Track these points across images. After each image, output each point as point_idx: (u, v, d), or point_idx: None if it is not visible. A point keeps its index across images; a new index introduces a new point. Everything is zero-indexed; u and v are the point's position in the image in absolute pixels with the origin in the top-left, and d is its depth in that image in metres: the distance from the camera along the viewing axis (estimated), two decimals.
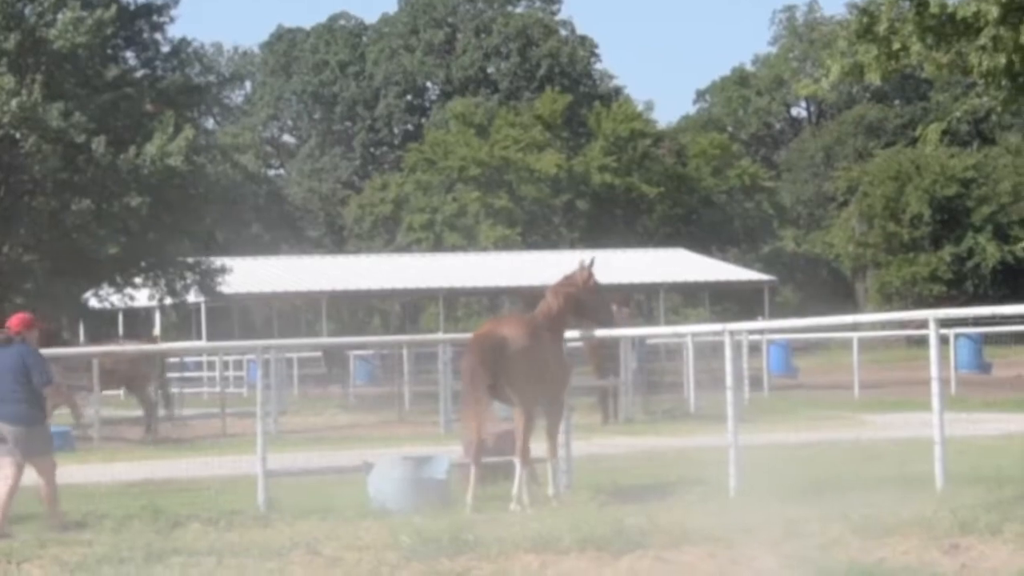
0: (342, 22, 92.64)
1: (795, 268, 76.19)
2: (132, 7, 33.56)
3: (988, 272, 68.47)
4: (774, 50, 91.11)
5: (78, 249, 31.78)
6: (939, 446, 12.35)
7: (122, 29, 33.16)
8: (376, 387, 36.44)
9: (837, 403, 28.57)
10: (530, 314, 14.23)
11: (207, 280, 35.42)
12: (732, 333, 13.96)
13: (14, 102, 29.81)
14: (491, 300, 63.07)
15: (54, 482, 12.87)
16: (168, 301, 35.80)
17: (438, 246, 68.23)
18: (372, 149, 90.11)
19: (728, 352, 13.74)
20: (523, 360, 13.34)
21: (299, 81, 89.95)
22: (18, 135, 30.72)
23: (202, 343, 41.59)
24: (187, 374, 38.19)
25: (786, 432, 20.59)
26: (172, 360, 37.82)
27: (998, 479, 12.64)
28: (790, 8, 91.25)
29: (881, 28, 13.91)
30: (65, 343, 25.45)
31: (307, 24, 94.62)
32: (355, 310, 69.40)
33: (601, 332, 15.46)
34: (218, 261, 36.01)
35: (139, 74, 34.18)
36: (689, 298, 65.25)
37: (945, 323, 15.73)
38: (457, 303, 64.34)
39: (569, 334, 14.57)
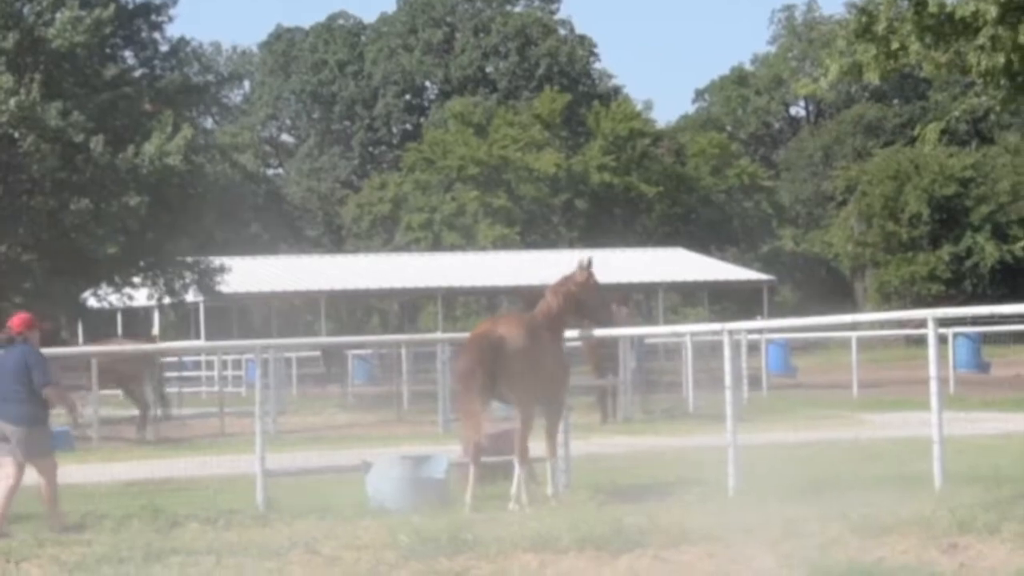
0: (341, 21, 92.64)
1: (794, 267, 76.21)
2: (131, 6, 33.55)
3: (987, 271, 68.48)
4: (773, 49, 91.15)
5: (77, 249, 31.78)
6: (937, 445, 12.35)
7: (121, 28, 33.16)
8: (375, 387, 36.43)
9: (836, 402, 28.57)
10: (529, 313, 14.23)
11: (206, 280, 35.43)
12: (731, 332, 13.97)
13: (12, 101, 29.81)
14: (490, 300, 63.08)
15: (55, 482, 12.87)
16: (167, 301, 35.81)
17: (437, 245, 68.23)
18: (371, 148, 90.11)
19: (727, 352, 13.74)
20: (521, 360, 13.34)
21: (298, 80, 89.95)
22: (16, 134, 30.72)
23: (201, 343, 41.60)
24: (186, 374, 38.18)
25: (785, 432, 20.60)
26: (171, 360, 37.85)
27: (996, 478, 12.64)
28: (789, 7, 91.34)
29: (880, 27, 13.91)
30: (63, 343, 25.46)
31: (306, 23, 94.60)
32: (354, 309, 69.42)
33: (600, 331, 15.47)
34: (217, 261, 36.01)
35: (138, 73, 34.18)
36: (688, 297, 65.27)
37: (944, 322, 15.74)
38: (456, 303, 64.35)
39: (568, 333, 14.57)
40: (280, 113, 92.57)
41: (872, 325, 40.95)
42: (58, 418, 16.74)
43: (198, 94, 34.99)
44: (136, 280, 35.05)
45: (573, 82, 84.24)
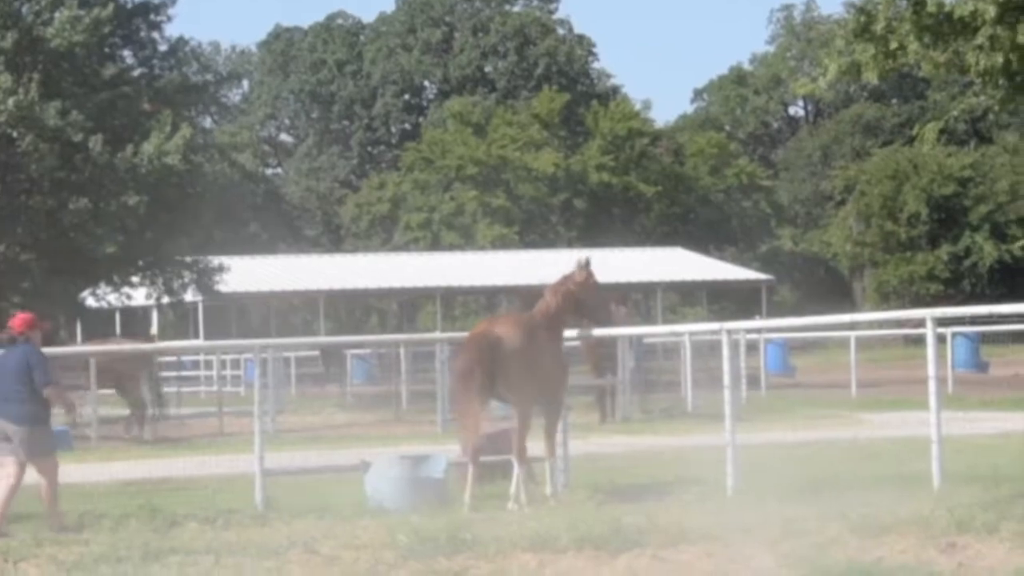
0: (340, 21, 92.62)
1: (792, 267, 76.22)
2: (129, 6, 33.55)
3: (985, 271, 68.50)
4: (772, 49, 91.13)
5: (75, 248, 31.79)
6: (936, 445, 12.35)
7: (119, 28, 33.17)
8: (373, 386, 36.43)
9: (834, 402, 28.57)
10: (528, 313, 14.23)
11: (204, 279, 35.44)
12: (729, 332, 13.97)
13: (11, 101, 29.81)
14: (488, 299, 63.08)
15: (56, 483, 12.88)
16: (165, 300, 35.81)
17: (435, 245, 68.24)
18: (369, 148, 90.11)
19: (726, 351, 13.74)
20: (518, 359, 13.33)
21: (296, 80, 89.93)
22: (15, 134, 30.73)
23: (199, 342, 41.60)
24: (184, 373, 38.18)
25: (783, 431, 20.62)
26: (169, 359, 37.86)
27: (995, 478, 12.64)
28: (788, 7, 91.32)
29: (878, 27, 13.91)
30: (61, 343, 25.46)
31: (305, 23, 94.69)
32: (352, 309, 69.41)
33: (599, 331, 15.47)
34: (215, 260, 36.02)
35: (136, 73, 34.19)
36: (687, 297, 65.26)
37: (942, 322, 15.74)
38: (455, 302, 64.34)
39: (567, 333, 14.56)
40: (279, 113, 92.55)
41: (871, 325, 40.96)
42: (56, 418, 16.72)
43: (197, 94, 35.00)
44: (135, 279, 35.05)
45: (572, 82, 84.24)
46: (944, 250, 68.59)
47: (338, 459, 17.03)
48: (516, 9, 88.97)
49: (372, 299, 63.67)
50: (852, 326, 34.78)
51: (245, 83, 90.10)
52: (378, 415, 28.32)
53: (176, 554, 10.78)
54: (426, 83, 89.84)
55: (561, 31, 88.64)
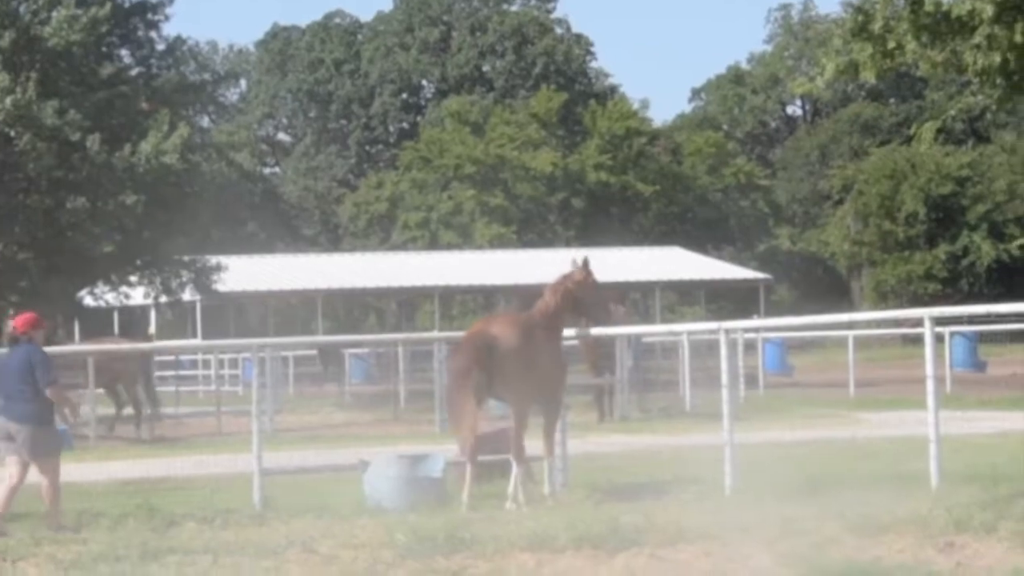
0: (337, 20, 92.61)
1: (790, 266, 76.24)
2: (127, 5, 33.55)
3: (983, 270, 68.53)
4: (769, 48, 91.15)
5: (73, 247, 31.79)
6: (934, 444, 12.35)
7: (117, 27, 33.15)
8: (372, 385, 36.44)
9: (832, 401, 28.58)
10: (527, 312, 14.23)
11: (202, 278, 35.43)
12: (728, 331, 13.97)
13: (8, 100, 29.80)
14: (487, 298, 63.07)
15: (57, 483, 12.88)
16: (163, 299, 35.79)
17: (434, 244, 68.23)
18: (367, 147, 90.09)
19: (724, 350, 13.74)
20: (515, 359, 13.33)
21: (294, 79, 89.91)
22: (12, 133, 30.72)
23: (198, 341, 41.59)
24: (183, 372, 38.17)
25: (781, 430, 20.61)
26: (167, 359, 37.86)
27: (993, 477, 12.64)
28: (785, 6, 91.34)
29: (876, 26, 13.91)
30: (58, 342, 25.43)
31: (302, 22, 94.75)
32: (351, 308, 69.40)
33: (597, 330, 15.46)
34: (213, 259, 36.01)
35: (134, 72, 34.18)
36: (685, 296, 65.27)
37: (940, 321, 15.75)
38: (453, 301, 64.33)
39: (565, 332, 14.55)
40: (277, 112, 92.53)
41: (869, 324, 40.96)
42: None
43: (194, 93, 34.99)
44: (133, 279, 35.05)
45: (569, 81, 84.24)
46: (942, 249, 68.61)
47: (336, 458, 17.03)
48: (514, 8, 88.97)
49: (370, 298, 63.67)
50: (850, 325, 34.79)
51: (243, 82, 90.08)
52: (376, 414, 28.32)
53: (174, 553, 10.78)
54: (424, 82, 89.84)
55: (559, 30, 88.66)
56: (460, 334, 15.41)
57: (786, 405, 27.09)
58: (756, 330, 31.67)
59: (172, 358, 37.92)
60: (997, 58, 13.41)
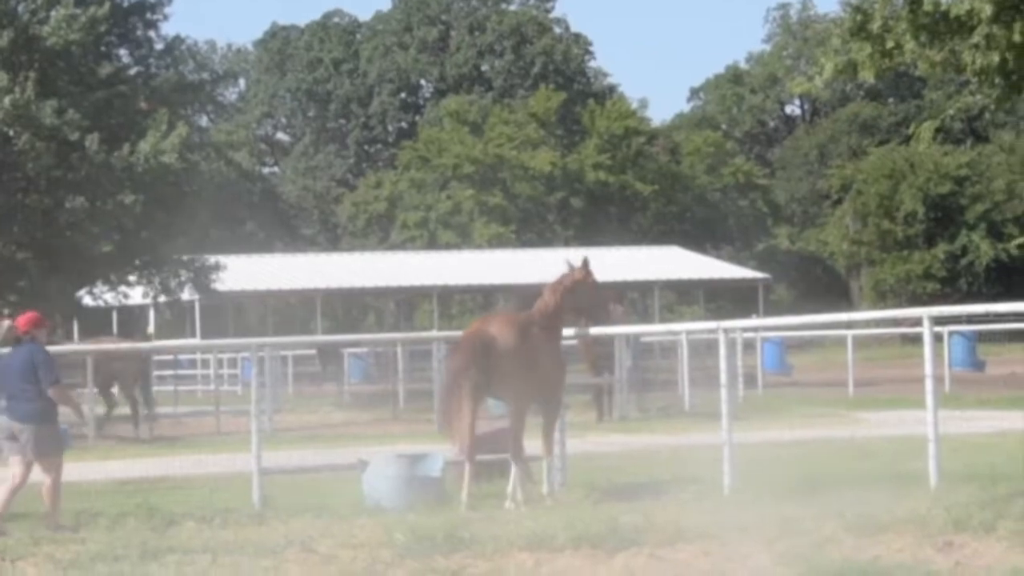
0: (336, 20, 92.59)
1: (789, 266, 76.22)
2: (126, 4, 33.56)
3: (982, 270, 68.55)
4: (768, 48, 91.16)
5: (72, 247, 31.79)
6: (933, 444, 12.35)
7: (116, 26, 33.16)
8: (371, 385, 36.45)
9: (831, 401, 28.59)
10: (525, 312, 14.22)
11: (201, 278, 35.43)
12: (726, 331, 13.97)
13: (7, 99, 29.81)
14: (485, 298, 63.08)
15: (59, 482, 12.89)
16: (162, 299, 35.80)
17: (432, 244, 68.24)
18: (366, 147, 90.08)
19: (722, 350, 13.75)
20: (512, 358, 13.32)
21: (293, 79, 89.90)
22: (11, 133, 30.72)
23: (196, 341, 41.59)
24: (181, 372, 38.17)
25: (780, 430, 20.62)
26: (166, 358, 37.84)
27: (992, 476, 12.63)
28: (784, 6, 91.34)
29: (875, 26, 13.90)
30: (55, 342, 25.38)
31: (301, 21, 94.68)
32: (349, 308, 69.40)
33: (596, 330, 15.46)
34: (212, 259, 36.01)
35: (133, 71, 34.19)
36: (683, 296, 65.28)
37: (939, 321, 15.76)
38: (451, 301, 64.34)
39: (564, 332, 14.55)
40: (275, 111, 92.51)
41: (867, 323, 40.98)
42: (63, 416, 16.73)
43: (193, 92, 35.00)
44: (131, 278, 35.05)
45: (568, 80, 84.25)
46: (941, 249, 68.63)
47: (335, 458, 17.03)
48: (512, 8, 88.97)
49: (369, 298, 63.67)
50: (849, 325, 34.81)
51: (241, 82, 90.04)
52: (375, 414, 28.32)
53: (173, 553, 10.77)
54: (423, 82, 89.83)
55: (558, 30, 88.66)
56: (459, 333, 15.41)
57: (785, 405, 27.09)
58: (755, 329, 31.68)
59: (171, 358, 37.91)
60: (996, 58, 13.40)
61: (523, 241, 67.59)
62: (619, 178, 72.78)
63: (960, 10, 13.36)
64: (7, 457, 12.97)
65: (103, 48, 33.53)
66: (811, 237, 76.61)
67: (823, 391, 31.65)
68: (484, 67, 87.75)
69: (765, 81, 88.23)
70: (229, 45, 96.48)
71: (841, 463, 15.55)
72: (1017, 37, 13.22)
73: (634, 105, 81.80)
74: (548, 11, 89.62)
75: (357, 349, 38.71)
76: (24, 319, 13.18)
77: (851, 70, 14.23)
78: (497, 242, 66.34)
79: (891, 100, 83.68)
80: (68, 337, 37.50)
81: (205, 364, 41.13)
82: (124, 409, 26.10)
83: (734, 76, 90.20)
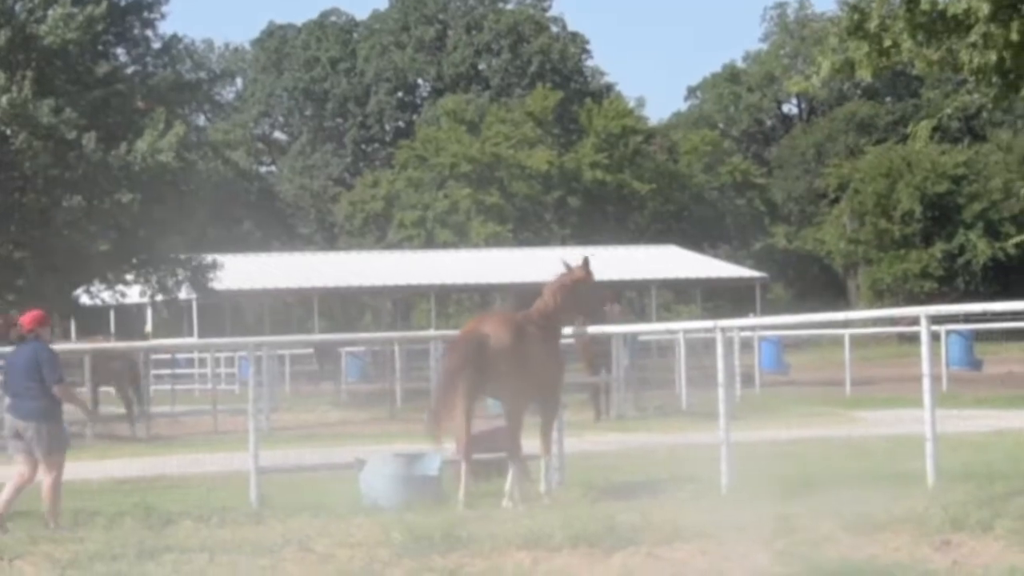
0: (333, 19, 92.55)
1: (786, 265, 76.24)
2: (123, 3, 33.54)
3: (979, 269, 68.56)
4: (765, 47, 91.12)
5: (69, 246, 31.77)
6: (930, 442, 12.36)
7: (113, 25, 33.14)
8: (368, 384, 36.45)
9: (828, 400, 28.60)
10: (523, 312, 14.22)
11: (198, 277, 35.42)
12: (724, 330, 13.97)
13: (4, 98, 29.79)
14: (483, 297, 63.08)
15: (60, 481, 12.90)
16: (159, 298, 35.77)
17: (429, 243, 68.22)
18: (363, 146, 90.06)
19: (720, 349, 13.75)
20: (507, 357, 13.32)
21: (290, 78, 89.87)
22: (8, 132, 30.71)
23: (194, 340, 41.56)
24: (179, 371, 38.16)
25: (778, 429, 20.65)
26: (163, 357, 37.82)
27: (989, 475, 12.65)
28: (781, 5, 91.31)
29: (872, 25, 13.90)
30: (54, 340, 25.35)
31: (298, 21, 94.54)
32: (347, 307, 69.36)
33: (593, 328, 15.47)
34: (209, 258, 35.99)
35: (130, 71, 34.17)
36: (681, 295, 65.28)
37: (936, 320, 15.77)
38: (449, 300, 64.33)
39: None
40: (272, 110, 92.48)
41: (865, 322, 41.01)
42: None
43: (190, 91, 34.98)
44: (129, 277, 35.03)
45: (565, 79, 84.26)
46: (938, 248, 68.64)
47: (333, 457, 17.03)
48: (510, 7, 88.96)
49: (366, 297, 63.65)
50: (846, 324, 34.84)
51: (239, 81, 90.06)
52: (372, 413, 28.32)
53: (171, 552, 10.77)
54: (420, 81, 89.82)
55: (555, 29, 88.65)
56: (456, 333, 15.41)
57: (782, 404, 27.11)
58: (752, 328, 31.70)
59: (168, 357, 37.90)
60: (993, 56, 13.41)
61: (520, 240, 67.58)
62: (616, 177, 72.77)
63: (957, 9, 13.37)
64: (12, 455, 12.98)
65: (100, 47, 33.51)
66: (808, 236, 76.62)
67: (820, 390, 31.66)
68: (481, 66, 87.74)
69: (762, 80, 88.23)
70: (226, 44, 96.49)
71: (838, 462, 15.56)
72: (1014, 36, 13.23)
73: (631, 104, 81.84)
74: (545, 10, 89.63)
75: (354, 348, 38.70)
76: (29, 317, 13.19)
77: (848, 69, 14.23)
78: (494, 241, 66.34)
79: (888, 99, 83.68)
80: (65, 336, 37.51)
81: (202, 363, 41.12)
82: (115, 408, 26.09)
83: (731, 75, 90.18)
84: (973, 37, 13.42)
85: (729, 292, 60.25)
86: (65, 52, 31.34)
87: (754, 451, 15.33)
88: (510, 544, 10.57)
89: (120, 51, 34.66)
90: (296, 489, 14.17)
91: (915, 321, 13.08)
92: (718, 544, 10.34)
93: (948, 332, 33.88)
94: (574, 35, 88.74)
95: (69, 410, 13.53)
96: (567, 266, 14.18)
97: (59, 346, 21.41)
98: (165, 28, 55.91)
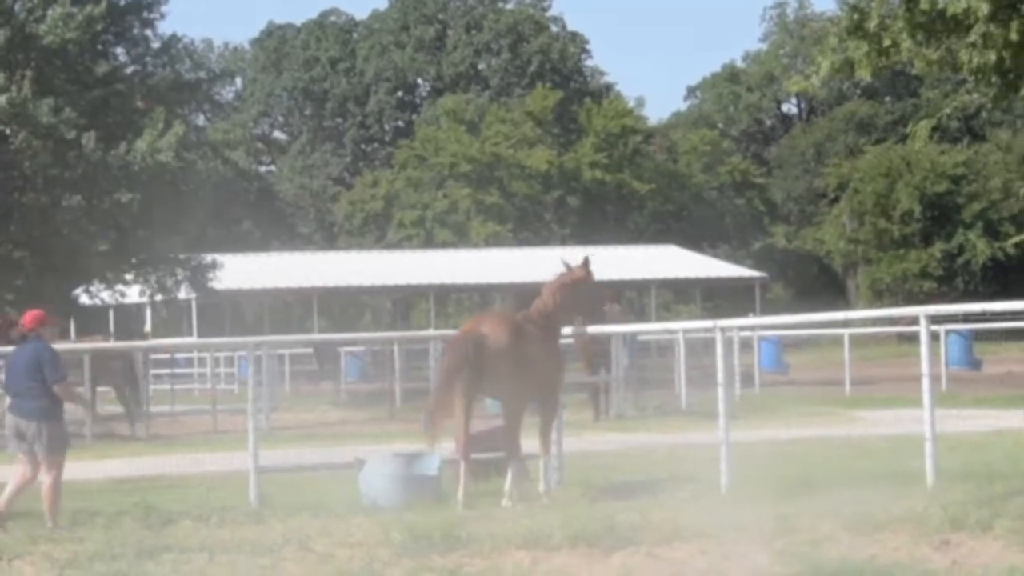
0: (333, 18, 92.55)
1: (786, 265, 76.24)
2: (122, 3, 33.52)
3: (978, 269, 68.55)
4: (765, 47, 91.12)
5: (69, 245, 31.77)
6: (930, 442, 12.36)
7: (112, 25, 33.14)
8: (367, 383, 36.45)
9: (828, 399, 28.60)
10: (522, 312, 14.22)
11: (198, 276, 35.42)
12: (723, 329, 13.97)
13: (4, 98, 29.79)
14: (482, 296, 63.07)
15: (60, 481, 12.90)
16: (159, 298, 35.77)
17: (429, 242, 68.22)
18: (363, 146, 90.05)
19: (719, 348, 13.75)
20: (505, 357, 13.32)
21: (290, 77, 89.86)
22: (8, 131, 30.70)
23: (193, 339, 41.55)
24: (178, 371, 38.16)
25: (777, 429, 20.64)
26: (163, 357, 37.82)
27: (988, 475, 12.65)
28: (781, 5, 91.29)
29: (871, 24, 13.91)
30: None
31: (298, 20, 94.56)
32: (346, 307, 69.35)
33: (593, 328, 15.47)
34: (209, 257, 35.99)
35: (129, 70, 34.17)
36: (680, 295, 65.29)
37: (936, 319, 15.78)
38: (448, 299, 64.32)
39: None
40: (272, 110, 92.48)
41: (864, 322, 41.01)
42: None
43: (190, 91, 34.97)
44: (128, 277, 35.03)
45: (565, 79, 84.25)
46: (937, 248, 68.63)
47: (332, 456, 17.02)
48: (509, 6, 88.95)
49: (366, 296, 63.64)
50: (846, 323, 34.84)
51: (238, 80, 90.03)
52: (372, 412, 28.32)
53: (170, 552, 10.77)
54: (419, 80, 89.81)
55: (554, 28, 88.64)
56: (455, 332, 15.41)
57: (782, 403, 27.11)
58: (752, 328, 31.70)
59: (168, 356, 37.90)
60: (992, 56, 13.41)
61: (520, 240, 67.58)
62: (616, 177, 72.77)
63: (957, 8, 13.37)
64: (14, 454, 12.99)
65: (100, 47, 33.51)
66: (808, 236, 76.61)
67: (820, 390, 31.66)
68: (481, 66, 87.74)
69: (762, 80, 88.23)
70: (226, 44, 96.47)
71: (838, 462, 15.55)
72: (1014, 36, 13.23)
73: (631, 104, 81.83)
74: (545, 10, 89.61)
75: (354, 348, 38.70)
76: (30, 317, 13.19)
77: (848, 69, 14.23)
78: (494, 241, 66.33)
79: (888, 99, 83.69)
80: (64, 336, 37.47)
81: (202, 363, 41.12)
82: (115, 408, 26.08)
83: (731, 75, 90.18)
84: (972, 37, 13.43)
85: (729, 292, 60.24)
86: (64, 52, 31.34)
87: (753, 451, 15.33)
88: (509, 544, 10.57)
89: (120, 51, 34.67)
90: (296, 489, 14.17)
91: (914, 321, 13.08)
92: (718, 544, 10.34)
93: (947, 332, 33.86)
94: (574, 35, 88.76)
95: (68, 410, 13.53)
96: (567, 266, 14.18)
97: (58, 346, 21.45)
98: (165, 28, 55.75)
